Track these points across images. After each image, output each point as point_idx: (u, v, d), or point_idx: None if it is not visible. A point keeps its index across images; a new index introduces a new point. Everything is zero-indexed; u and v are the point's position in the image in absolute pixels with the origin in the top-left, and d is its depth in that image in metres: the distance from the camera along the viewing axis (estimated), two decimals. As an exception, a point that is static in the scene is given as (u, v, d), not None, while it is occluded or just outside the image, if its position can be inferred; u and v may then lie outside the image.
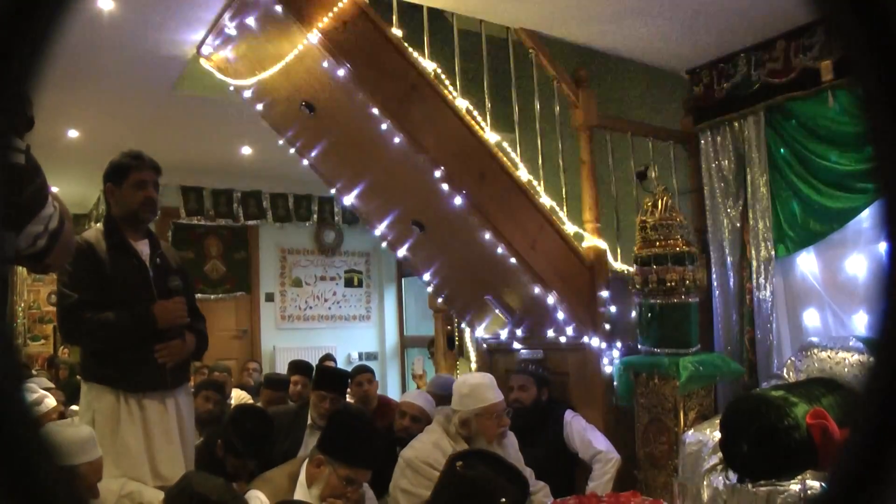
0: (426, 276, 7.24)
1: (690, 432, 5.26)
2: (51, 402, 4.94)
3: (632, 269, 6.05)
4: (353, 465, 3.77)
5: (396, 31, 5.68)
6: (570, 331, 6.23)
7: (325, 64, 5.49)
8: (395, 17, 5.77)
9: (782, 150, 6.50)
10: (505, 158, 5.99)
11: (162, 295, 4.36)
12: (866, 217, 5.87)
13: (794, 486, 4.34)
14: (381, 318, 13.39)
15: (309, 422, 5.89)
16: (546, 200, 6.22)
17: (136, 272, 4.35)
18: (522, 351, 6.72)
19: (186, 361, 4.59)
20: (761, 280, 6.58)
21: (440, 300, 8.09)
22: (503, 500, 3.07)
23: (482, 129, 5.95)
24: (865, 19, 0.76)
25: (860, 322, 5.99)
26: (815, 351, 5.59)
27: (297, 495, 3.75)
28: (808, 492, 4.26)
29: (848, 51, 0.80)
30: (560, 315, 6.14)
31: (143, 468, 4.16)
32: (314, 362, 8.54)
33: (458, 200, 5.70)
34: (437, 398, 6.12)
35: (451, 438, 4.65)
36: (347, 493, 3.74)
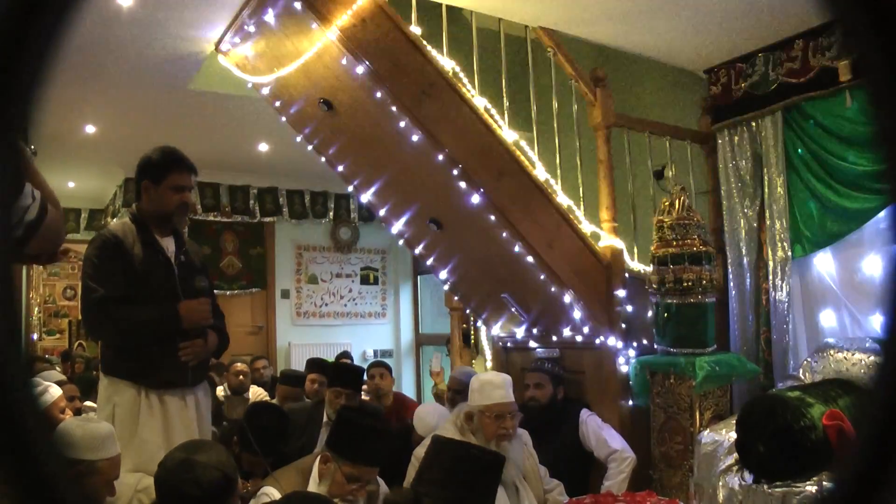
0: (442, 274, 7.24)
1: (706, 432, 5.25)
2: (55, 391, 4.93)
3: (648, 269, 6.04)
4: (356, 462, 3.75)
5: (415, 29, 5.69)
6: (586, 330, 6.24)
7: (344, 61, 5.50)
8: (413, 15, 5.78)
9: (800, 150, 6.49)
10: (522, 157, 5.99)
11: (187, 293, 4.37)
12: (883, 217, 5.85)
13: (810, 488, 4.33)
14: (396, 316, 13.40)
15: (325, 419, 5.91)
16: (563, 199, 6.21)
17: (163, 269, 4.36)
18: (538, 349, 6.71)
19: (207, 359, 4.60)
20: (778, 280, 6.57)
21: (456, 298, 8.09)
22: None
23: (500, 127, 5.95)
24: (876, 19, 0.76)
25: (877, 323, 5.97)
26: (832, 352, 5.57)
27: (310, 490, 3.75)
28: (825, 493, 4.25)
29: (859, 51, 0.80)
30: (576, 314, 6.15)
31: None
32: (330, 359, 8.56)
33: (475, 198, 5.71)
34: (461, 385, 6.15)
35: (462, 435, 4.65)
36: (352, 490, 3.74)
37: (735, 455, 4.83)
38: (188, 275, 4.46)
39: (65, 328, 14.58)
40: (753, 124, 6.82)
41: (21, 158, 2.38)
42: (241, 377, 8.28)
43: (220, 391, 8.19)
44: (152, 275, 4.31)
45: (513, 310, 6.72)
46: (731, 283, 6.94)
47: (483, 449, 3.66)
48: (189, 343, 4.31)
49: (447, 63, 5.81)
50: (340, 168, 6.82)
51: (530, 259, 5.92)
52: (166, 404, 4.28)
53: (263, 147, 10.17)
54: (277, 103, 6.70)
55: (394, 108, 5.51)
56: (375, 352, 12.72)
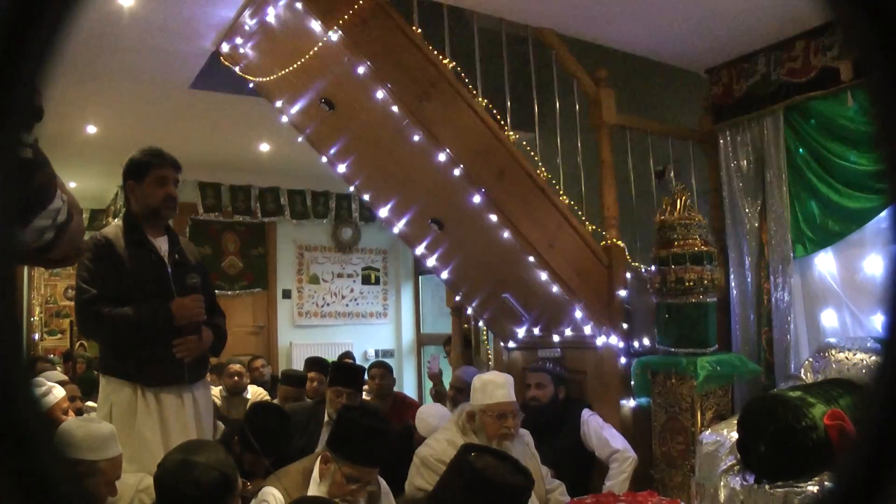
0: (444, 274, 7.23)
1: (707, 432, 5.25)
2: (59, 392, 4.93)
3: (650, 269, 6.04)
4: (355, 463, 3.75)
5: (416, 29, 5.69)
6: (587, 329, 6.23)
7: (345, 61, 5.50)
8: (415, 16, 5.78)
9: (801, 149, 6.49)
10: (524, 157, 5.98)
11: (180, 291, 4.39)
12: (885, 217, 5.85)
13: (812, 487, 4.33)
14: (397, 316, 13.41)
15: (326, 418, 5.91)
16: (565, 199, 6.21)
17: (155, 268, 4.39)
18: (540, 349, 6.72)
19: (205, 357, 4.61)
20: (779, 280, 6.57)
21: (457, 298, 8.09)
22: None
23: (501, 127, 5.94)
24: (876, 20, 0.76)
25: (878, 323, 5.97)
26: (833, 352, 5.57)
27: (311, 491, 3.75)
28: (825, 492, 4.24)
29: (859, 51, 0.80)
30: (578, 314, 6.14)
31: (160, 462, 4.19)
32: (331, 359, 8.55)
33: (476, 198, 5.71)
34: (463, 384, 6.16)
35: (464, 434, 4.66)
36: (352, 490, 3.73)
37: (736, 455, 4.82)
38: (182, 273, 4.48)
39: (66, 328, 14.58)
40: (755, 124, 6.82)
41: (48, 163, 2.44)
42: (236, 378, 8.26)
43: (217, 392, 8.19)
44: (145, 274, 4.35)
45: (515, 310, 6.71)
46: (733, 283, 6.94)
47: (516, 467, 3.60)
48: (182, 340, 4.33)
49: (448, 63, 5.81)
50: (341, 168, 6.82)
51: (531, 259, 5.92)
52: (163, 402, 4.30)
53: (265, 147, 10.17)
54: (279, 103, 6.69)
55: (395, 108, 5.52)
56: (377, 352, 12.75)
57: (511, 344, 7.22)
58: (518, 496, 3.38)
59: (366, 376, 6.92)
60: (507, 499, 3.32)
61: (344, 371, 6.28)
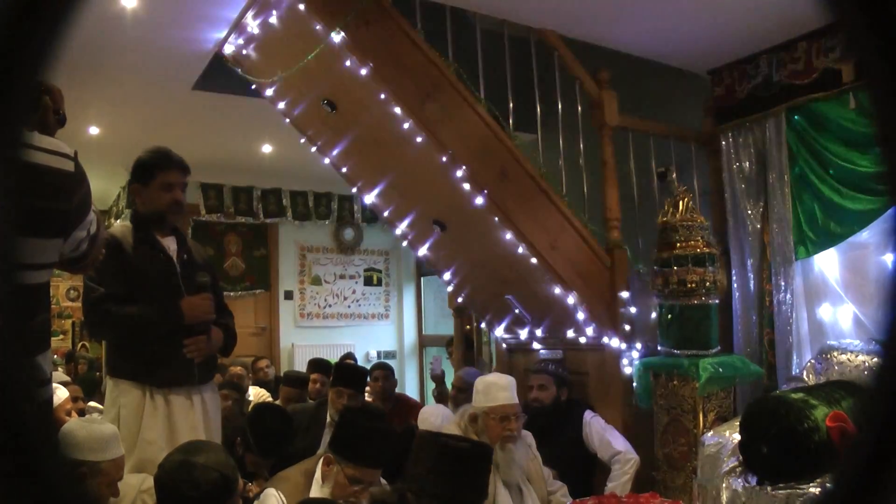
0: (446, 276, 7.23)
1: (709, 434, 5.24)
2: (62, 394, 4.93)
3: (652, 270, 6.03)
4: (358, 464, 3.75)
5: (419, 31, 5.69)
6: (589, 331, 6.23)
7: (348, 62, 5.50)
8: (417, 17, 5.78)
9: (803, 151, 6.47)
10: (526, 158, 5.98)
11: (189, 290, 4.36)
12: (887, 219, 5.83)
13: (814, 489, 4.33)
14: (399, 317, 13.39)
15: (328, 420, 5.90)
16: (567, 200, 6.20)
17: (164, 267, 4.35)
18: (542, 351, 6.72)
19: (214, 357, 4.58)
20: (781, 282, 6.55)
21: (459, 299, 8.08)
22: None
23: (504, 128, 5.94)
24: (877, 21, 0.76)
25: (880, 324, 5.94)
26: (835, 354, 5.57)
27: (313, 493, 3.75)
28: (825, 493, 4.24)
29: (860, 52, 0.81)
30: (580, 315, 6.14)
31: None
32: (333, 360, 8.56)
33: (479, 199, 5.71)
34: (465, 385, 6.16)
35: (466, 436, 4.65)
36: (354, 492, 3.73)
37: (739, 457, 4.82)
38: (191, 273, 4.45)
39: (68, 329, 14.57)
40: (757, 126, 6.81)
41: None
42: (236, 380, 8.25)
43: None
44: (154, 273, 4.32)
45: (517, 311, 6.71)
46: (735, 285, 6.93)
47: (468, 440, 3.72)
48: (192, 339, 4.30)
49: (450, 64, 5.81)
50: (344, 169, 6.82)
51: (534, 260, 5.92)
52: (171, 404, 4.26)
53: (267, 148, 10.17)
54: (281, 105, 6.70)
55: (397, 110, 5.52)
56: (378, 353, 12.73)
57: (513, 345, 7.22)
58: (482, 457, 3.54)
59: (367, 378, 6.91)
60: (472, 460, 3.46)
61: (346, 372, 6.28)
